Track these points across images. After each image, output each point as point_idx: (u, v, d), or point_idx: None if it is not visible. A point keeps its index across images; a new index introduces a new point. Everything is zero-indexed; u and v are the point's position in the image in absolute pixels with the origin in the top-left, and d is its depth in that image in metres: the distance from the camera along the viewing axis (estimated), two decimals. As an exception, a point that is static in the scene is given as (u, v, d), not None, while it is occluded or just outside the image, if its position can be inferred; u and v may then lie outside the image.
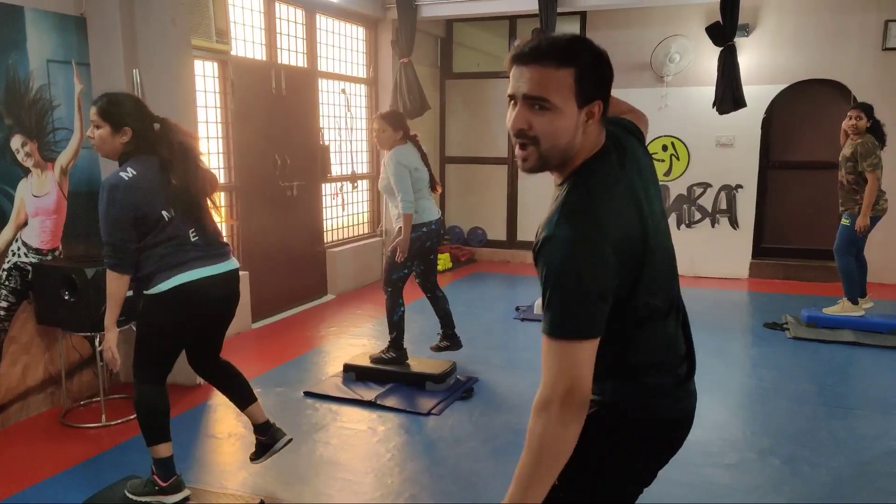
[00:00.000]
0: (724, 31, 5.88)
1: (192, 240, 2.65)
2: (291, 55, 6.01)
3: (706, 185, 7.39)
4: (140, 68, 3.92)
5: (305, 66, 6.19)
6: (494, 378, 4.26)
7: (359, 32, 7.08)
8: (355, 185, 7.08)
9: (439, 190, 4.38)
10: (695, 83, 7.23)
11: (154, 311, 2.63)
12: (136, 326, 2.72)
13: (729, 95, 5.88)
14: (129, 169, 2.56)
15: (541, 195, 8.01)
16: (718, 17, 6.83)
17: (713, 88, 7.00)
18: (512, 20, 7.95)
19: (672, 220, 7.51)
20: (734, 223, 7.31)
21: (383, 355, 4.24)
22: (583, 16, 7.56)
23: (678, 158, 7.45)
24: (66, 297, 3.49)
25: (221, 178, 5.16)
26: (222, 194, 5.19)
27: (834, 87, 6.94)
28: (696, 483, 2.99)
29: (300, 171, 6.07)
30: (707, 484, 3.00)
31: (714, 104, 6.08)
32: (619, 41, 7.43)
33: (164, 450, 2.69)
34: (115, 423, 3.60)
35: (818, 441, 3.42)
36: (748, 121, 6.94)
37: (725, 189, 7.31)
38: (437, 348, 4.47)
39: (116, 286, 2.57)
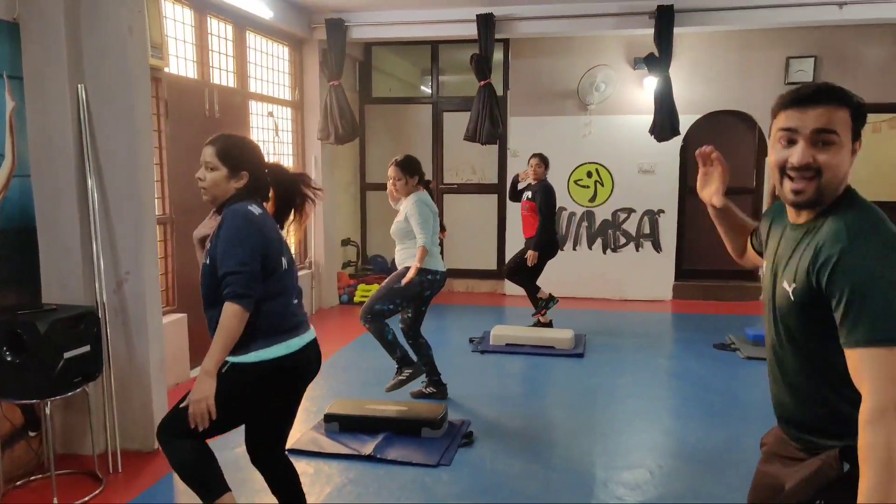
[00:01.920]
0: (661, 63, 6.09)
1: (293, 301, 2.31)
2: (222, 74, 5.51)
3: (630, 211, 7.61)
4: (86, 84, 3.36)
5: (236, 86, 5.70)
6: (483, 418, 4.03)
7: (284, 52, 6.66)
8: (285, 214, 6.59)
9: (444, 235, 4.40)
10: (618, 112, 7.46)
11: (234, 381, 2.18)
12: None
13: (667, 124, 6.10)
14: (253, 205, 2.26)
15: (466, 221, 7.92)
16: (638, 49, 7.17)
17: (635, 117, 7.34)
18: (435, 45, 7.85)
19: (598, 245, 7.68)
20: (657, 247, 7.58)
21: (424, 391, 4.22)
22: (506, 43, 7.58)
23: (602, 185, 7.63)
24: (9, 359, 2.86)
25: (155, 209, 4.58)
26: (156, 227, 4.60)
27: (742, 118, 7.42)
28: None
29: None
30: None
31: (652, 131, 6.27)
32: (543, 69, 7.55)
33: (227, 501, 2.25)
34: (73, 505, 2.99)
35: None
36: (668, 148, 7.22)
37: (648, 214, 7.57)
38: (420, 394, 4.26)
39: (238, 324, 2.14)
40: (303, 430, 3.81)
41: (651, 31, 6.30)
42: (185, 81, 4.95)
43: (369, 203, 8.32)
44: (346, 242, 7.92)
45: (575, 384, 4.72)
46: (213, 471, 2.27)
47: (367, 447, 3.55)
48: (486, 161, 7.92)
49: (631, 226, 7.63)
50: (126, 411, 3.49)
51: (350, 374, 4.91)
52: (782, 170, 1.45)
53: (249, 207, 2.24)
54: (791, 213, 1.53)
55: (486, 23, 6.30)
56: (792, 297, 1.43)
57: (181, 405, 2.22)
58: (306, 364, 2.34)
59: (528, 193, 5.80)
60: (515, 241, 7.70)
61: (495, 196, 7.98)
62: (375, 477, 3.30)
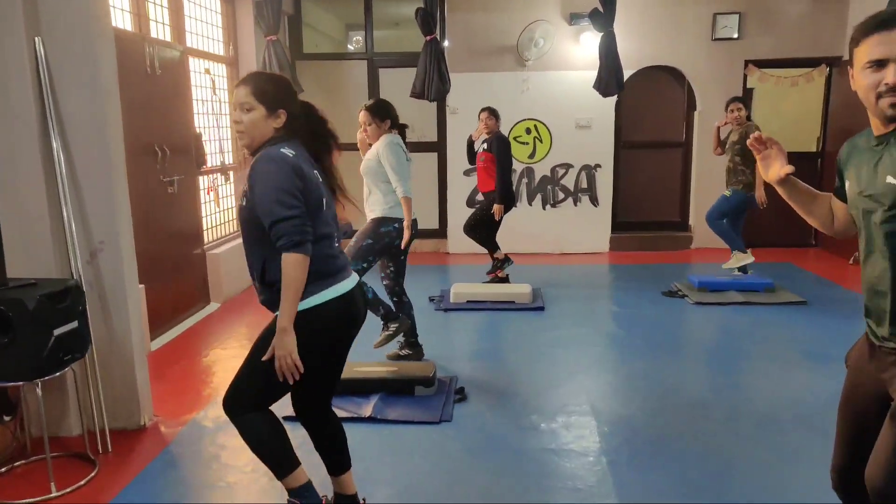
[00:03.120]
0: (605, 18, 6.19)
1: (336, 243, 2.24)
2: (159, 28, 5.14)
3: (568, 166, 7.78)
4: (43, 37, 3.05)
5: (174, 41, 5.33)
6: (465, 374, 4.08)
7: (216, 4, 6.27)
8: (227, 177, 6.31)
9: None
10: (554, 67, 7.55)
11: (298, 333, 2.09)
12: (256, 347, 2.20)
13: (613, 79, 6.22)
14: (287, 148, 2.14)
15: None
16: (574, 5, 7.26)
17: (572, 73, 7.47)
18: (368, -1, 7.62)
19: (538, 200, 7.83)
20: (594, 201, 7.81)
21: (399, 353, 4.16)
22: (442, -3, 7.46)
23: (541, 141, 7.74)
24: (-6, 339, 2.62)
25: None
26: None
27: (672, 73, 7.70)
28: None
29: (179, 164, 5.24)
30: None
31: (597, 87, 6.39)
32: (479, 24, 7.51)
33: (299, 477, 2.24)
34: (69, 490, 2.81)
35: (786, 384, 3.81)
36: (603, 104, 7.40)
37: (586, 169, 7.77)
38: (397, 356, 4.23)
39: (303, 273, 2.06)
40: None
41: (592, -14, 6.39)
42: (123, 35, 4.57)
43: (305, 164, 8.07)
44: (285, 205, 7.67)
45: (543, 336, 4.85)
46: (286, 444, 2.24)
47: (366, 409, 3.52)
48: (426, 119, 7.84)
49: (569, 181, 7.81)
50: (109, 389, 3.30)
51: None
52: (877, 93, 1.62)
53: (282, 150, 2.13)
54: (879, 127, 1.69)
55: (430, -24, 6.17)
56: None
57: (243, 374, 2.15)
58: (357, 308, 2.27)
59: (484, 145, 5.79)
60: (456, 199, 7.75)
61: (435, 154, 7.94)
62: (381, 437, 3.29)
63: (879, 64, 1.62)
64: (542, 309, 5.47)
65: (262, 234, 2.12)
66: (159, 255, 4.94)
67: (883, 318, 1.72)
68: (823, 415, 3.41)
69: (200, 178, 5.74)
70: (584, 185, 7.80)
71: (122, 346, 3.33)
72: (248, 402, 2.19)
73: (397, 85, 7.41)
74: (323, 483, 2.49)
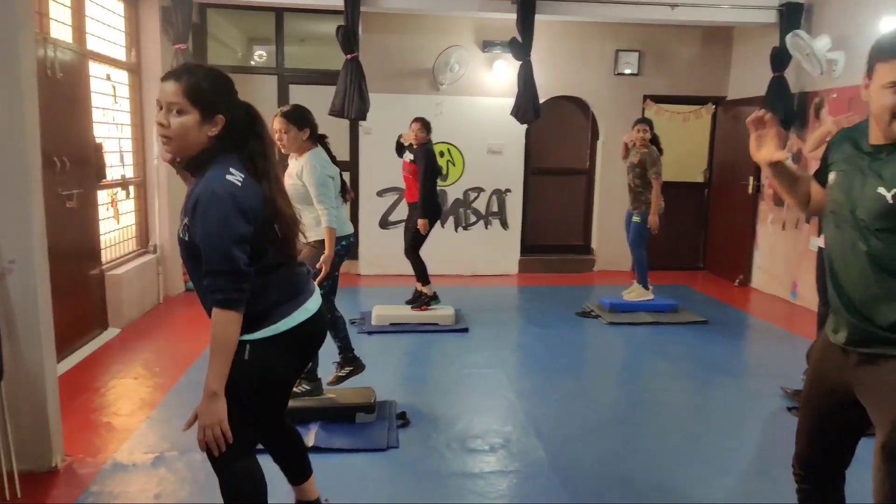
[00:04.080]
0: (522, 48, 6.37)
1: (296, 264, 2.08)
2: (59, 28, 4.73)
3: (479, 190, 7.89)
4: (-48, 28, 2.71)
5: (74, 42, 4.92)
6: (403, 399, 3.98)
7: (119, 7, 5.87)
8: (129, 192, 5.86)
9: (351, 196, 3.93)
10: (467, 93, 7.67)
11: (268, 359, 1.93)
12: (231, 387, 1.89)
13: (530, 106, 6.39)
14: (231, 170, 1.85)
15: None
16: (487, 33, 7.43)
17: (485, 99, 7.63)
18: (280, 13, 7.41)
19: (450, 222, 7.87)
20: (505, 224, 7.96)
21: (340, 374, 3.84)
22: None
23: (454, 164, 7.81)
24: None
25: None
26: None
27: (578, 104, 8.04)
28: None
29: (78, 177, 4.81)
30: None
31: (514, 114, 6.54)
32: (393, 46, 7.51)
33: None
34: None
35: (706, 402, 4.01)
36: (514, 130, 7.61)
37: (496, 193, 7.91)
38: (339, 379, 4.00)
39: (235, 331, 1.84)
40: (222, 428, 3.48)
41: (512, 16, 6.57)
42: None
43: (207, 180, 7.68)
44: (185, 223, 7.24)
45: (471, 358, 4.84)
46: (266, 497, 2.07)
47: (308, 438, 3.34)
48: (338, 138, 7.65)
49: (480, 204, 7.92)
50: (16, 425, 2.92)
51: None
52: (893, 112, 1.69)
53: (228, 177, 1.83)
54: (880, 138, 1.76)
55: (352, -6, 6.09)
56: (890, 200, 1.69)
57: (182, 430, 1.95)
58: (323, 326, 2.16)
59: (411, 156, 5.71)
60: (369, 219, 7.64)
61: (347, 175, 7.74)
62: (328, 467, 3.12)
63: None
64: (466, 331, 5.46)
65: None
66: (53, 275, 4.47)
67: (847, 321, 1.81)
68: (740, 423, 3.61)
69: (99, 192, 5.30)
70: (495, 208, 7.93)
71: (33, 377, 2.97)
72: (237, 451, 1.95)
73: (309, 102, 7.11)
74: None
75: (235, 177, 1.86)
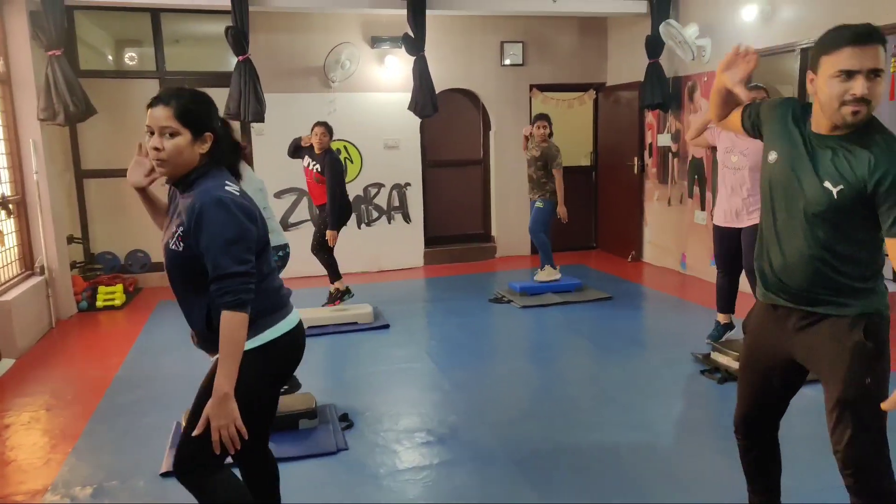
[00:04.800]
0: (416, 43, 6.44)
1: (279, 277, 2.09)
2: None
3: (380, 185, 7.92)
4: None
5: (-63, 52, 4.47)
6: (339, 401, 3.97)
7: (-21, 12, 5.37)
8: (10, 211, 5.40)
9: None
10: (360, 89, 7.65)
11: (255, 369, 1.93)
12: (200, 396, 1.96)
13: (428, 101, 6.50)
14: (227, 182, 1.95)
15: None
16: (375, 28, 7.45)
17: (377, 94, 7.66)
18: (156, 13, 7.05)
19: (353, 220, 7.82)
20: (407, 218, 8.04)
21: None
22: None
23: (352, 161, 7.78)
24: None
25: None
26: None
27: (468, 96, 8.23)
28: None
29: (-46, 199, 4.40)
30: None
31: (413, 109, 6.61)
32: (282, 45, 7.36)
33: None
34: None
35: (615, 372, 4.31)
36: (409, 124, 7.70)
37: (396, 188, 7.96)
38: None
39: (244, 333, 1.89)
40: (164, 451, 3.34)
41: (398, 11, 6.63)
42: None
43: (88, 193, 7.21)
44: (70, 240, 6.77)
45: (397, 353, 4.90)
46: None
47: (255, 452, 3.27)
48: (230, 141, 7.43)
49: (382, 200, 7.94)
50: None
51: (166, 384, 4.35)
52: (842, 100, 1.79)
53: (228, 188, 1.94)
54: (824, 128, 1.88)
55: (239, -8, 5.91)
56: (836, 196, 1.84)
57: (193, 434, 1.88)
58: (303, 339, 2.16)
59: (318, 166, 5.64)
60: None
61: (241, 178, 7.55)
62: (284, 477, 3.04)
63: (849, 74, 1.77)
64: (387, 327, 5.50)
65: (203, 280, 1.92)
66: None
67: (785, 289, 2.00)
68: (663, 389, 3.92)
69: (-22, 214, 4.86)
70: (397, 203, 7.98)
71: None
72: (209, 464, 1.94)
73: (196, 106, 6.97)
74: None
75: (233, 188, 1.96)
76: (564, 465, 3.17)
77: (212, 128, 1.99)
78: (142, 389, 4.25)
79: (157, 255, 7.44)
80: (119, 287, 6.56)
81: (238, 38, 5.95)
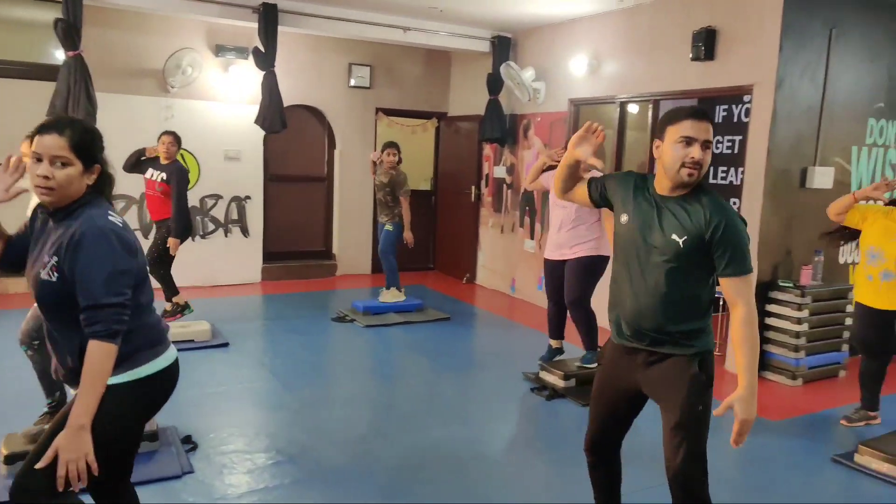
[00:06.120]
0: (267, 58, 6.38)
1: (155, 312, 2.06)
2: None
3: (218, 197, 7.67)
4: None
5: None
6: (183, 423, 3.85)
7: None
8: None
9: None
10: (200, 97, 7.40)
11: (127, 403, 1.92)
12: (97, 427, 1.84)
13: (277, 117, 6.45)
14: (111, 213, 1.94)
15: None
16: (220, 37, 7.30)
17: (219, 104, 7.49)
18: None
19: (187, 232, 7.51)
20: (245, 232, 7.85)
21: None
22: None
23: (189, 171, 7.44)
24: None
25: None
26: None
27: (315, 113, 8.25)
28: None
29: None
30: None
31: (260, 123, 6.53)
32: (116, 43, 6.95)
33: None
34: None
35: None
36: (252, 137, 7.58)
37: (236, 200, 7.76)
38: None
39: (110, 364, 1.85)
40: (-23, 483, 3.05)
41: (245, 23, 6.54)
42: None
43: None
44: None
45: (238, 373, 4.81)
46: None
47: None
48: (51, 140, 6.82)
49: (219, 212, 7.69)
50: None
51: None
52: (682, 162, 2.15)
53: (111, 218, 1.95)
54: (666, 189, 2.24)
55: (73, -16, 5.51)
56: (682, 245, 2.18)
57: (38, 466, 1.80)
58: (178, 375, 2.14)
59: (163, 175, 5.37)
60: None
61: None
62: (123, 505, 2.95)
63: (688, 142, 2.14)
64: (226, 345, 5.36)
65: (76, 314, 1.88)
66: None
67: (637, 332, 2.31)
68: (501, 406, 4.24)
69: None
70: (235, 216, 7.77)
71: None
72: (118, 475, 1.96)
73: (17, 101, 6.38)
74: None
75: (116, 219, 1.97)
76: (412, 478, 3.33)
77: (101, 160, 2.01)
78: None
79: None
80: None
81: (69, 33, 5.53)
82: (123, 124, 6.67)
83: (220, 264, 7.68)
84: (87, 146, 1.95)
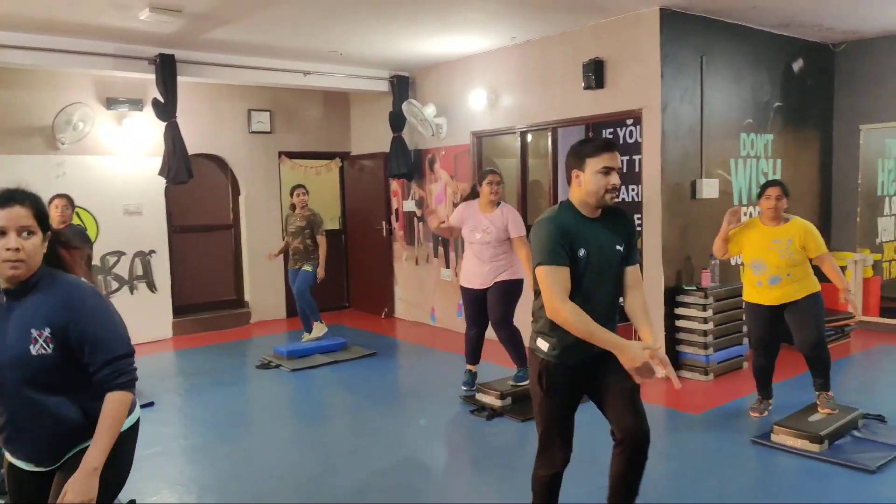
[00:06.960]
0: (167, 108, 6.28)
1: None
2: None
3: (120, 253, 7.37)
4: None
5: None
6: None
7: None
8: None
9: None
10: (94, 152, 7.14)
11: (130, 447, 2.07)
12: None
13: (182, 167, 6.33)
14: (81, 279, 2.01)
15: None
16: (110, 90, 7.12)
17: (114, 158, 7.28)
18: None
19: (89, 292, 7.16)
20: (152, 287, 7.57)
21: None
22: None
23: (87, 229, 7.14)
24: None
25: None
26: None
27: (216, 161, 8.13)
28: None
29: None
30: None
31: (164, 175, 6.38)
32: (2, 102, 6.61)
33: None
34: None
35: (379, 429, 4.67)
36: (152, 189, 7.38)
37: (140, 255, 7.49)
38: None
39: (127, 411, 1.98)
40: None
41: (137, 74, 6.44)
42: None
43: None
44: None
45: (166, 430, 4.66)
46: None
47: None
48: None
49: (123, 269, 7.39)
50: None
51: None
52: (606, 189, 2.48)
53: (81, 280, 2.02)
54: (590, 211, 2.55)
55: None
56: (622, 251, 2.59)
57: None
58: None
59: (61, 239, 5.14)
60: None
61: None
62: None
63: (607, 171, 2.47)
64: (151, 405, 5.15)
65: (76, 378, 1.92)
66: None
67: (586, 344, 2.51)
68: (446, 433, 4.34)
69: None
70: (140, 271, 7.49)
71: None
72: None
73: None
74: None
75: (82, 280, 2.05)
76: (374, 513, 3.37)
77: (48, 227, 2.02)
78: None
79: None
80: None
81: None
82: (13, 186, 6.32)
83: (128, 323, 7.14)
84: (44, 214, 1.98)
